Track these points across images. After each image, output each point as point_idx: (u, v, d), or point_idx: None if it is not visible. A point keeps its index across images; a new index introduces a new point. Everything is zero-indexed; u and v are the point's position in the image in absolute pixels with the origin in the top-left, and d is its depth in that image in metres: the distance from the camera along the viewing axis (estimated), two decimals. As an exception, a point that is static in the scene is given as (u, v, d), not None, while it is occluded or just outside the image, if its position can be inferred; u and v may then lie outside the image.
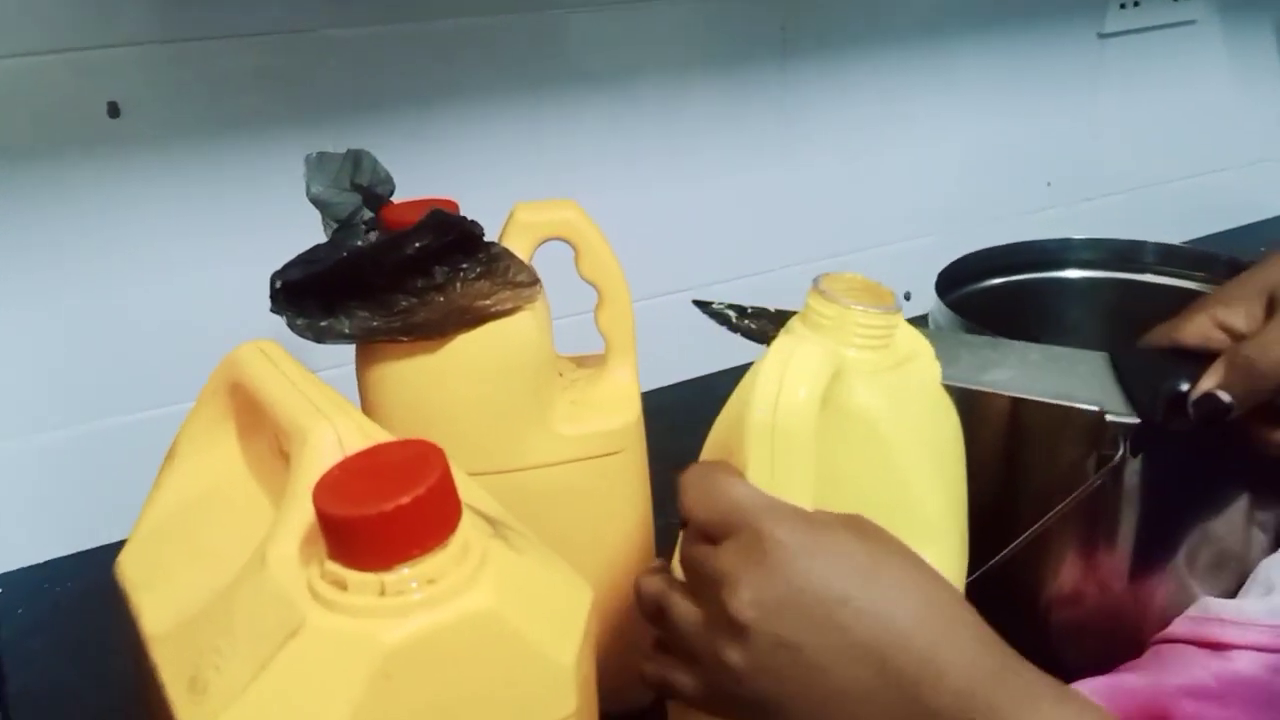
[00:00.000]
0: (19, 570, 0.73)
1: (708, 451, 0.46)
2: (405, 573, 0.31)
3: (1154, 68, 1.10)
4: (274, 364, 0.40)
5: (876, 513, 0.40)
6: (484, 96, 0.79)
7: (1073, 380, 0.51)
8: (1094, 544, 0.53)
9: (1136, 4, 1.06)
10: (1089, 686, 0.51)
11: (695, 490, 0.39)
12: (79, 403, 0.73)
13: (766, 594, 0.36)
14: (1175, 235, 1.14)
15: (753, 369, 0.40)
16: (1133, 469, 0.51)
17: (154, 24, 0.68)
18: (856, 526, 0.38)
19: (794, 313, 0.47)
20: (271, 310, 0.52)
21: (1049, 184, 1.09)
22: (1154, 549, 0.53)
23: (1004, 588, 0.54)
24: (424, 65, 0.76)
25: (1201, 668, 0.52)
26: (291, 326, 0.52)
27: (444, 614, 0.31)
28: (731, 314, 0.56)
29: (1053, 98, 1.06)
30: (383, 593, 0.31)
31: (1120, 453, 0.49)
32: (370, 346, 0.53)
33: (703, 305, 0.58)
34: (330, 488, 0.32)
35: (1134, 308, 0.63)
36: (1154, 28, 1.08)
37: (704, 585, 0.38)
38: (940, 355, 0.46)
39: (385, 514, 0.30)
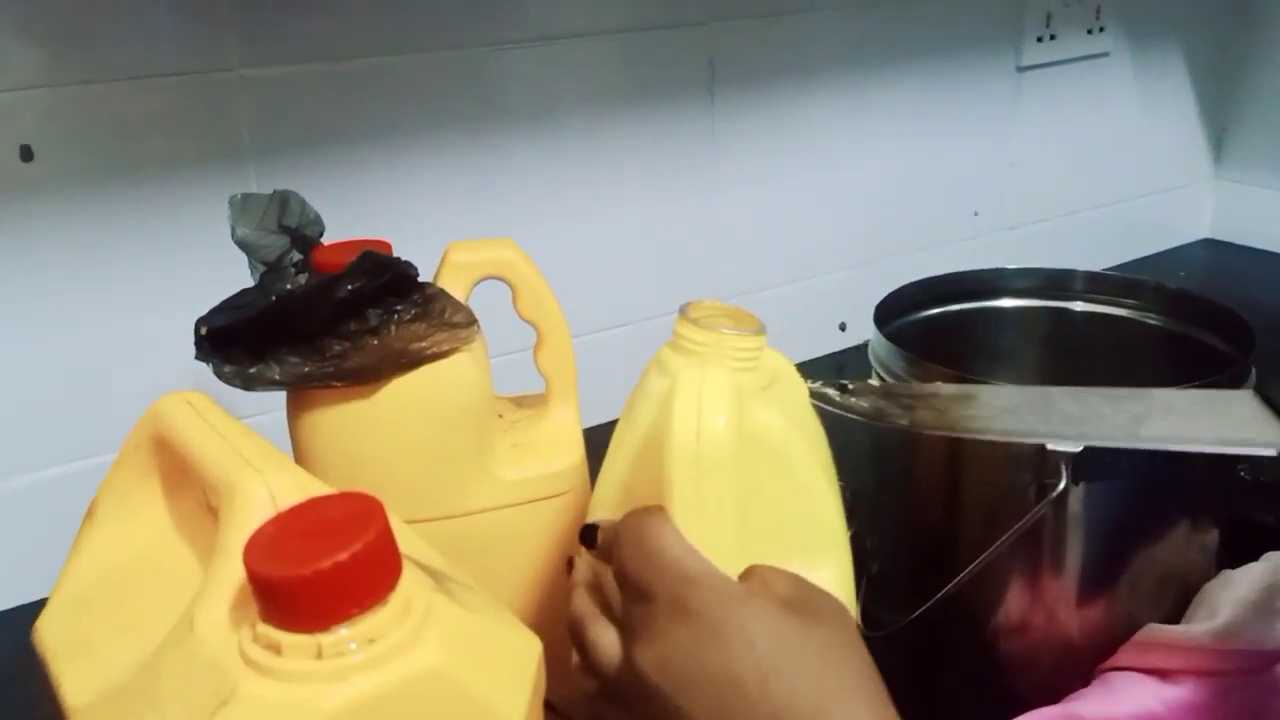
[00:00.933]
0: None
1: (604, 487, 0.47)
2: (344, 633, 0.30)
3: (1070, 99, 1.13)
4: (200, 416, 0.38)
5: (790, 526, 0.43)
6: (412, 135, 0.78)
7: (1234, 422, 0.48)
8: (1039, 573, 0.53)
9: (1053, 38, 1.08)
10: (1043, 716, 0.51)
11: (630, 545, 0.40)
12: (35, 452, 0.70)
13: (674, 660, 0.37)
14: (1099, 261, 1.17)
15: (663, 401, 0.41)
16: (1075, 497, 0.51)
17: (60, 66, 0.66)
18: (788, 601, 0.38)
19: (908, 388, 0.51)
20: (196, 358, 0.50)
21: (976, 213, 1.11)
22: (1098, 576, 0.53)
23: (951, 619, 0.54)
24: (346, 104, 0.75)
25: (1150, 695, 0.52)
26: (218, 374, 0.50)
27: (386, 675, 0.30)
28: (833, 392, 0.53)
29: (974, 129, 1.08)
30: (320, 655, 0.30)
31: (1063, 482, 0.49)
32: (302, 393, 0.51)
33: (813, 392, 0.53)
34: (262, 546, 0.30)
35: (1067, 335, 0.64)
36: (1070, 60, 1.11)
37: (621, 628, 0.40)
38: (1078, 414, 0.48)
39: (321, 572, 0.29)
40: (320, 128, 0.74)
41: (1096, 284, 0.64)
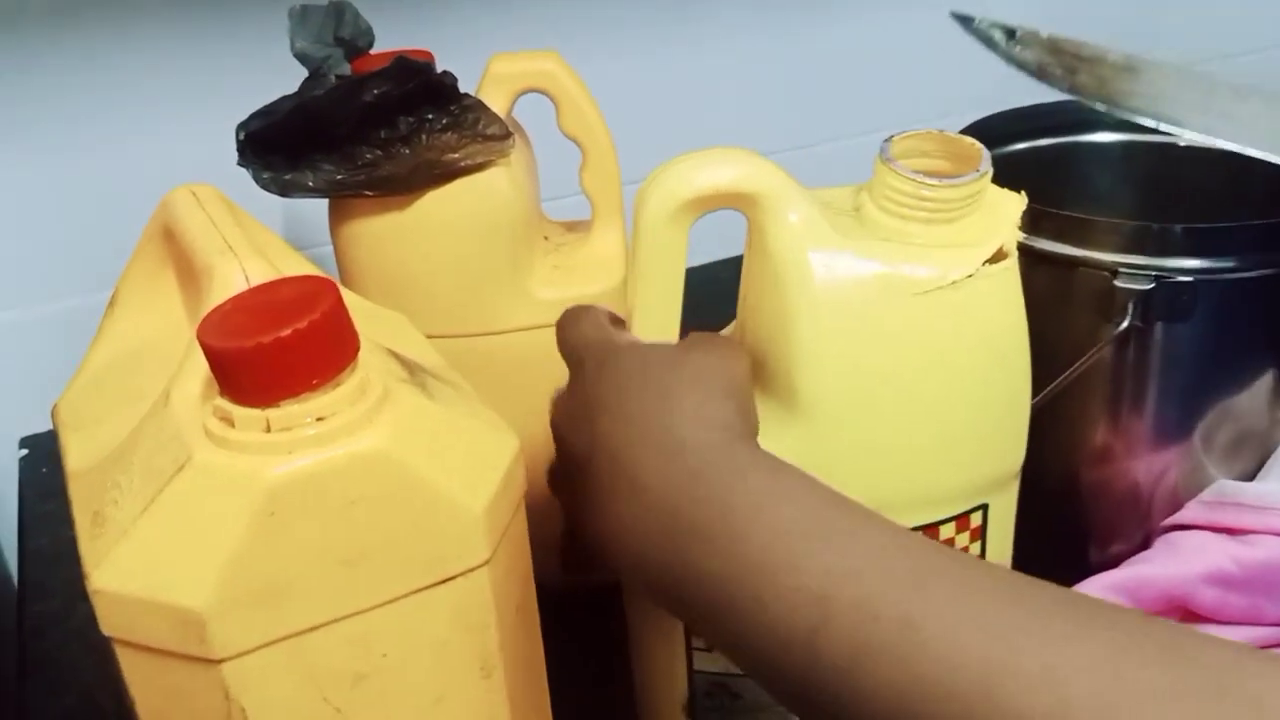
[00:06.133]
0: (45, 432, 0.74)
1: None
2: (292, 409, 0.30)
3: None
4: (201, 206, 0.38)
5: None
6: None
7: None
8: (1100, 420, 0.50)
9: None
10: (1107, 580, 0.49)
11: (560, 329, 0.41)
12: (92, 271, 0.73)
13: (563, 405, 0.38)
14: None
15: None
16: (1144, 338, 0.47)
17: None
18: (684, 344, 0.37)
19: (1076, 47, 0.45)
20: (238, 164, 0.51)
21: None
22: (1166, 426, 0.49)
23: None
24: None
25: (1221, 553, 0.48)
26: (257, 180, 0.51)
27: (332, 452, 0.30)
28: (999, 35, 0.49)
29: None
30: (268, 429, 0.30)
31: (1127, 321, 0.45)
32: (340, 204, 0.52)
33: (964, 20, 0.50)
34: (217, 323, 0.30)
35: (1173, 173, 0.58)
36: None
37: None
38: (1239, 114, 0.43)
39: (264, 346, 0.29)
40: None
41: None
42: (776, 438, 0.38)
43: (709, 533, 0.31)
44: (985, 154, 0.38)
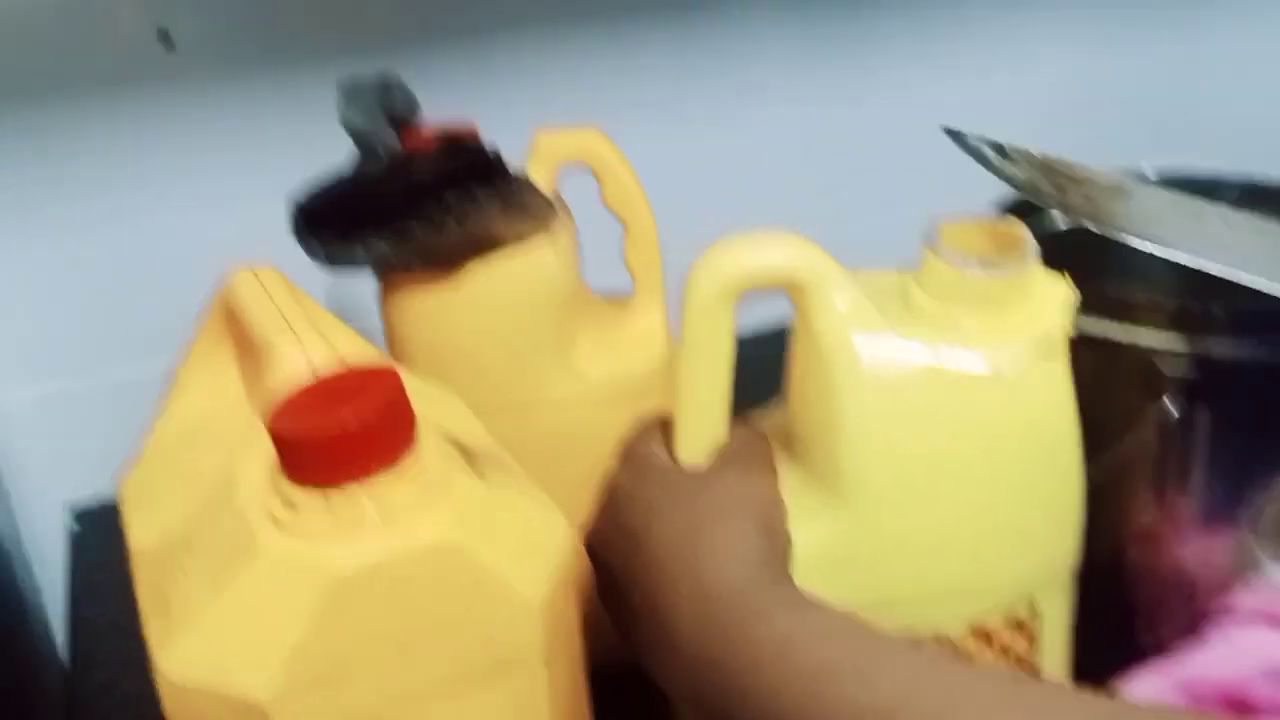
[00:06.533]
0: (96, 503, 0.75)
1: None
2: (355, 493, 0.30)
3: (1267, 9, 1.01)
4: (264, 288, 0.39)
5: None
6: (524, 25, 0.76)
7: None
8: (1145, 502, 0.49)
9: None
10: (1163, 681, 0.48)
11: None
12: (142, 340, 0.74)
13: (598, 529, 0.40)
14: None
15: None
16: (1189, 420, 0.47)
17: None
18: (713, 469, 0.38)
19: (1067, 166, 0.46)
20: (291, 233, 0.52)
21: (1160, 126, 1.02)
22: (1213, 510, 0.49)
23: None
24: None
25: (1277, 646, 0.48)
26: (308, 253, 0.51)
27: (393, 540, 0.30)
28: (990, 152, 0.49)
29: (1155, 38, 0.98)
30: (331, 513, 0.30)
31: (1171, 403, 0.45)
32: (390, 278, 0.52)
33: (955, 136, 0.51)
34: (284, 407, 0.31)
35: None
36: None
37: None
38: (1228, 239, 0.44)
39: (330, 431, 0.29)
40: (447, 16, 0.74)
41: (1251, 193, 0.58)
42: (820, 521, 0.38)
43: (742, 685, 0.32)
44: (1031, 241, 0.39)
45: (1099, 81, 0.97)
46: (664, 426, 0.41)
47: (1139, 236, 0.46)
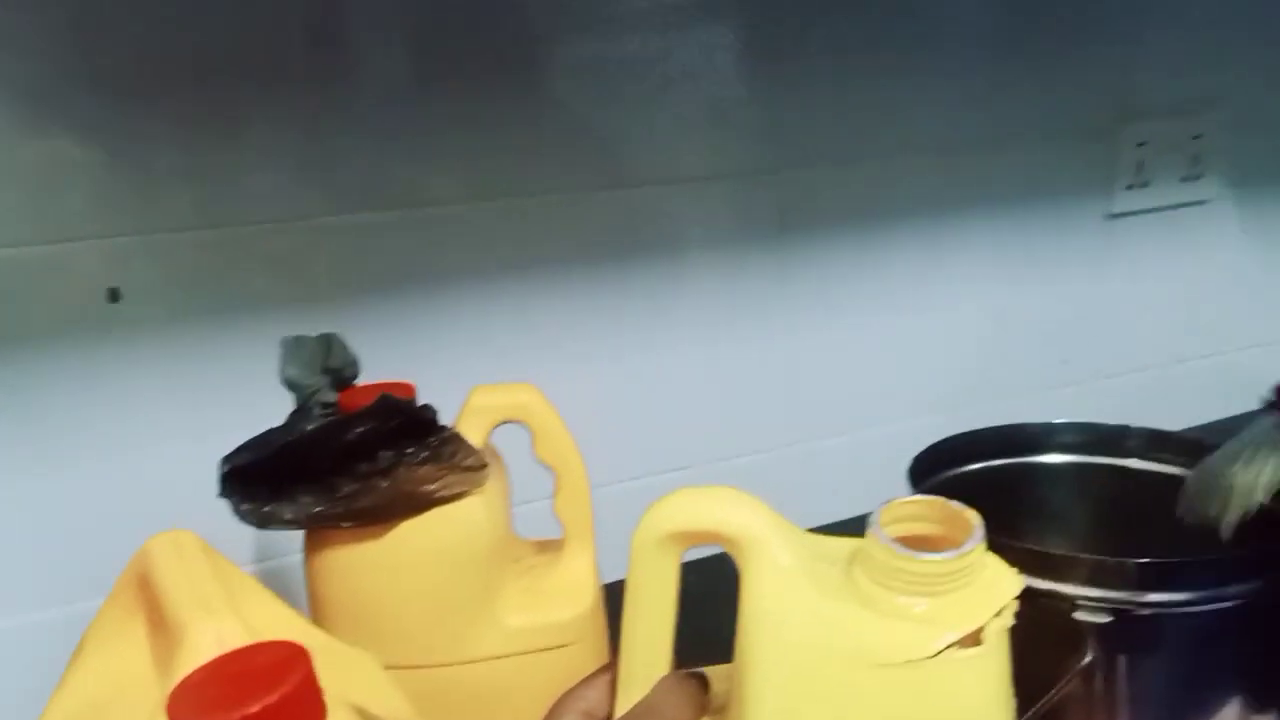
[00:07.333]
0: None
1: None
2: (259, 783, 0.29)
3: (1168, 246, 1.09)
4: (180, 555, 0.39)
5: None
6: (463, 280, 0.80)
7: None
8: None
9: (1146, 185, 1.06)
10: None
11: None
12: (66, 588, 0.73)
13: None
14: (1204, 415, 1.11)
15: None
16: (1110, 670, 0.47)
17: (152, 214, 0.71)
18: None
19: None
20: (219, 495, 0.52)
21: (1065, 361, 1.07)
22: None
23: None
24: (408, 250, 0.78)
25: None
26: (236, 512, 0.52)
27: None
28: None
29: (1063, 275, 1.05)
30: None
31: (1090, 654, 0.46)
32: (316, 534, 0.53)
33: None
34: (188, 693, 0.31)
35: (1120, 494, 0.60)
36: (1164, 208, 1.08)
37: None
38: None
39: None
40: (378, 273, 0.78)
41: (1154, 443, 0.60)
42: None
43: None
44: (978, 528, 0.38)
45: (1012, 317, 1.03)
46: (599, 679, 0.41)
47: None
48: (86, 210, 0.69)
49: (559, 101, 0.78)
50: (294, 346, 0.57)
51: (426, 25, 0.72)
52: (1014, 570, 0.39)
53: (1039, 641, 0.48)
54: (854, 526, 0.40)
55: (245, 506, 0.51)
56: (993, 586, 0.38)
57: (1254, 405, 1.14)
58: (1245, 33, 1.06)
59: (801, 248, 0.91)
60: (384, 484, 0.50)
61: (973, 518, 0.39)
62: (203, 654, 0.34)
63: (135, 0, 0.65)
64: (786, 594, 0.38)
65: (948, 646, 0.36)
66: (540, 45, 0.76)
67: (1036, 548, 0.50)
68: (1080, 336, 1.07)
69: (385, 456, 0.50)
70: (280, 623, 0.38)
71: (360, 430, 0.50)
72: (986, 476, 0.61)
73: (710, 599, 0.41)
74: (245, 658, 0.32)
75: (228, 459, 0.52)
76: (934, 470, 0.60)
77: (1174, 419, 0.62)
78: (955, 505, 0.39)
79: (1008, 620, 0.38)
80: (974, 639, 0.37)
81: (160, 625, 0.39)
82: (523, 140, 0.77)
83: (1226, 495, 0.54)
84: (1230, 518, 0.53)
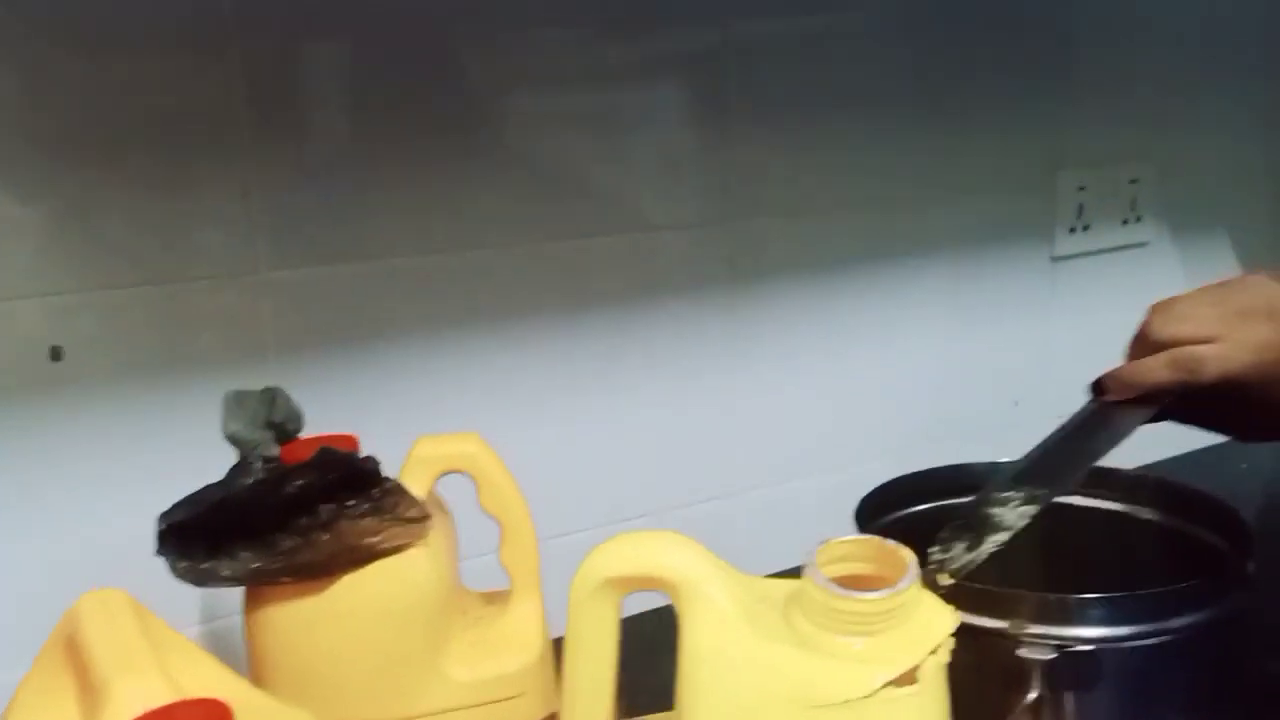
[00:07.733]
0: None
1: None
2: None
3: (1109, 288, 1.11)
4: (108, 614, 0.38)
5: None
6: (413, 334, 0.80)
7: None
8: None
9: (1087, 229, 1.08)
10: None
11: None
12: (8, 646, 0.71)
13: None
14: (1158, 451, 1.12)
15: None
16: (1055, 706, 0.47)
17: (92, 272, 0.70)
18: None
19: None
20: (156, 553, 0.51)
21: (1016, 403, 1.09)
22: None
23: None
24: (355, 304, 0.77)
25: None
26: (173, 570, 0.51)
27: None
28: None
29: (1010, 318, 1.07)
30: None
31: (1035, 691, 0.46)
32: (256, 590, 0.52)
33: None
34: (109, 753, 0.30)
35: (1062, 532, 0.61)
36: (1106, 250, 1.10)
37: None
38: None
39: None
40: (339, 325, 0.77)
41: (1098, 480, 0.61)
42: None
43: None
44: (913, 567, 0.38)
45: (961, 360, 1.04)
46: None
47: None
48: (29, 268, 0.68)
49: (507, 154, 0.79)
50: (236, 401, 0.56)
51: (375, 81, 0.73)
52: (949, 607, 0.39)
53: (985, 679, 0.48)
54: (809, 573, 0.40)
55: (182, 564, 0.50)
56: (928, 624, 0.38)
57: (1197, 445, 1.16)
58: (1171, 90, 1.10)
59: (752, 297, 0.92)
60: (325, 538, 0.50)
61: (907, 556, 0.39)
62: (125, 713, 0.33)
63: (81, 60, 0.65)
64: (725, 636, 0.38)
65: (884, 685, 0.36)
66: (489, 101, 0.77)
67: (980, 585, 0.50)
68: (1030, 377, 1.09)
69: (326, 510, 0.50)
70: (211, 681, 0.38)
71: (299, 484, 0.49)
72: (933, 517, 0.61)
73: (665, 649, 0.41)
74: (167, 716, 0.31)
75: (164, 516, 0.51)
76: (881, 511, 0.60)
77: (1123, 457, 0.63)
78: (890, 544, 0.40)
79: (944, 657, 0.38)
80: (910, 677, 0.37)
81: (86, 684, 0.38)
82: (471, 193, 0.77)
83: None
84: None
